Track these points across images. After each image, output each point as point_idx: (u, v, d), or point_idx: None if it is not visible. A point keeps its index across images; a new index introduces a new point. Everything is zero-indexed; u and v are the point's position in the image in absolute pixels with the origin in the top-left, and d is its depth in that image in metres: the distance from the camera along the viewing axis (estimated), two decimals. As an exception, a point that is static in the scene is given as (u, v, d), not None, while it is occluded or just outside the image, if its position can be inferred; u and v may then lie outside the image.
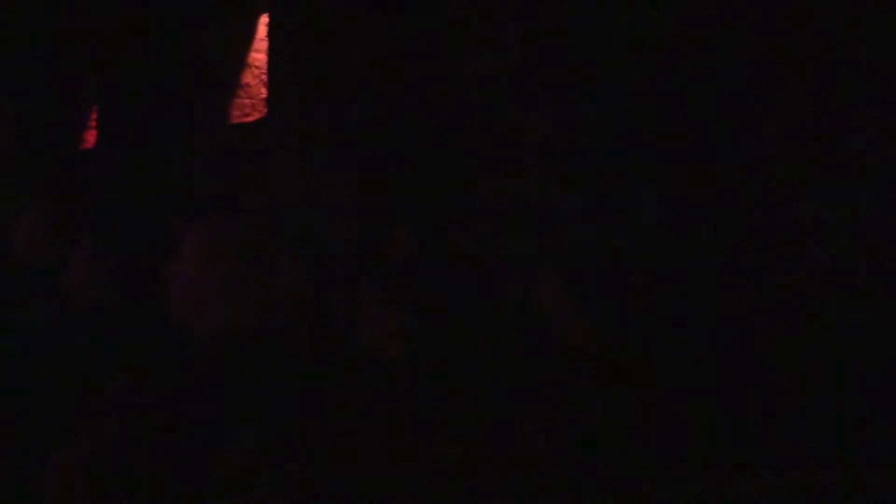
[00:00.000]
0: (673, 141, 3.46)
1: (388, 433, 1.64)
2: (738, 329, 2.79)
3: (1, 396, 1.76)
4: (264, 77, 7.25)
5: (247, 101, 7.41)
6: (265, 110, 7.18)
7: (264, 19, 7.12)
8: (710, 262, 3.01)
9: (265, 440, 1.44)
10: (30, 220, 2.60)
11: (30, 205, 2.69)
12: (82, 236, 2.17)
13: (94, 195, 8.19)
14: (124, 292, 2.12)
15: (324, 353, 1.81)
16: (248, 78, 7.43)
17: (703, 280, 2.96)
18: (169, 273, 1.70)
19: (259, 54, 7.35)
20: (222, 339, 1.57)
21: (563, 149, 3.80)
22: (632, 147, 3.56)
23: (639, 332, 1.99)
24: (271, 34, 6.91)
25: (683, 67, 3.49)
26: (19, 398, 1.78)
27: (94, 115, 9.26)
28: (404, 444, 1.64)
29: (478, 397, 1.77)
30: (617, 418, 1.74)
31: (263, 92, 7.32)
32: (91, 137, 9.49)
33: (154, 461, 1.37)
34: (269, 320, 1.69)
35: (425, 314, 1.85)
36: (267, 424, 1.47)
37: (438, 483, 1.58)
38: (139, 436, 1.40)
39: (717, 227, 3.13)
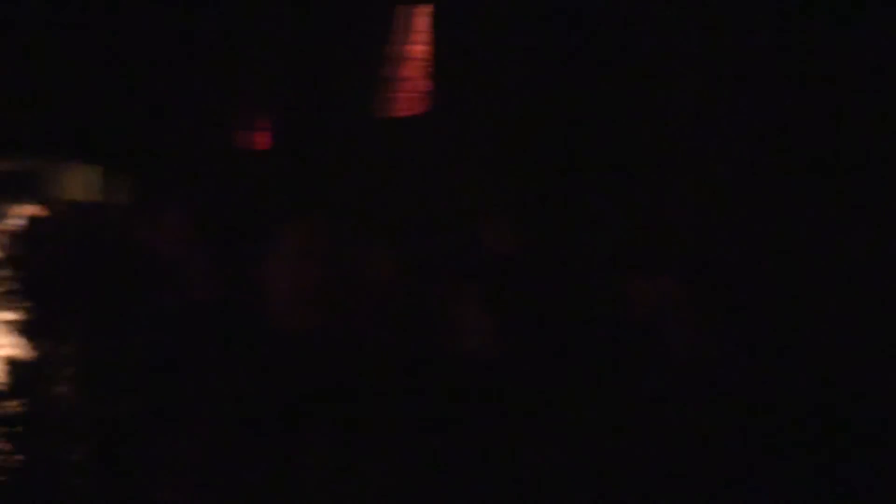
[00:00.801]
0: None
1: (481, 436, 1.62)
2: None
3: (120, 377, 1.97)
4: (426, 70, 7.41)
5: (408, 94, 7.61)
6: (426, 105, 7.33)
7: (425, 9, 7.27)
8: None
9: (353, 436, 1.47)
10: (169, 220, 2.88)
11: (170, 206, 2.97)
12: (206, 235, 2.35)
13: (237, 196, 8.87)
14: (232, 289, 2.26)
15: (418, 353, 1.80)
16: (408, 71, 7.63)
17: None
18: (265, 271, 1.79)
19: (419, 46, 7.52)
20: (313, 336, 1.63)
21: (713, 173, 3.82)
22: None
23: (752, 348, 1.78)
24: (435, 25, 7.03)
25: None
26: (135, 380, 1.97)
27: (260, 119, 10.04)
28: (496, 447, 1.62)
29: (574, 403, 1.68)
30: (718, 429, 1.58)
31: (425, 85, 7.47)
32: (258, 139, 10.30)
33: (240, 449, 1.44)
34: (362, 318, 1.73)
35: (523, 317, 1.79)
36: (356, 421, 1.49)
37: (531, 488, 1.56)
38: (228, 425, 1.47)
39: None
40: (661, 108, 4.54)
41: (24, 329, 6.84)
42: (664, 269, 2.17)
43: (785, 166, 3.63)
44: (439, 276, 2.13)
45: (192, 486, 1.27)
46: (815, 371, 2.16)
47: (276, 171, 8.95)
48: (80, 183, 20.44)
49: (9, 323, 7.91)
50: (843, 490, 1.66)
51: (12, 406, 4.59)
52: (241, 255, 1.89)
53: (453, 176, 6.09)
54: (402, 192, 6.79)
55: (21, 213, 8.30)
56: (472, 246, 2.83)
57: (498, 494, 1.50)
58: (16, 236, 11.62)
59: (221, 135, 11.23)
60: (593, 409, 1.72)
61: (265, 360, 1.41)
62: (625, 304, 2.10)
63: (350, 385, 1.36)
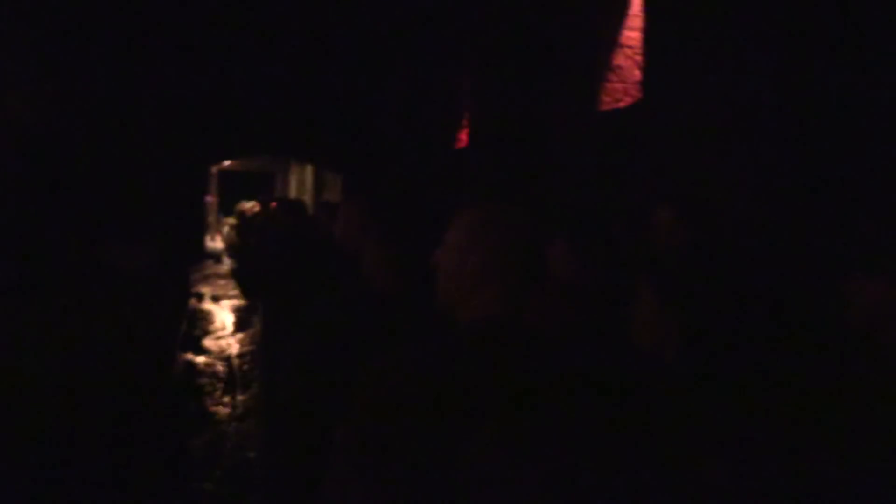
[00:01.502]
0: None
1: (658, 443, 1.47)
2: None
3: (291, 367, 2.06)
4: (638, 58, 7.15)
5: (618, 84, 7.39)
6: (639, 94, 7.07)
7: (639, -7, 7.02)
8: None
9: (519, 435, 1.40)
10: (346, 211, 3.00)
11: (357, 201, 3.09)
12: (376, 225, 2.40)
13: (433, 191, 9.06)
14: (402, 279, 2.27)
15: (592, 351, 1.67)
16: (619, 59, 7.41)
17: None
18: (435, 261, 1.76)
19: (632, 32, 7.27)
20: (481, 328, 1.59)
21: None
22: None
23: None
24: (648, 10, 6.74)
25: None
26: (308, 370, 2.05)
27: (467, 116, 10.30)
28: (675, 457, 1.46)
29: (763, 414, 1.45)
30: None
31: (637, 74, 7.21)
32: (464, 137, 10.56)
33: (405, 442, 1.42)
34: (532, 311, 1.64)
35: (707, 314, 1.59)
36: (522, 419, 1.42)
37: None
38: (391, 416, 1.46)
39: None
40: None
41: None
42: (887, 270, 1.84)
43: None
44: (628, 270, 1.98)
45: (360, 479, 1.26)
46: None
47: (477, 166, 9.12)
48: (301, 181, 22.46)
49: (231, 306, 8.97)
50: None
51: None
52: (422, 246, 1.90)
53: (663, 170, 5.76)
54: (603, 185, 6.57)
55: (242, 208, 9.43)
56: (665, 240, 2.63)
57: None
58: (234, 227, 13.14)
59: (429, 133, 11.73)
60: (797, 420, 1.48)
61: (426, 348, 1.38)
62: (843, 305, 1.81)
63: (524, 381, 1.29)
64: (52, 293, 8.57)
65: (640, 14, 6.97)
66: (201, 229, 15.88)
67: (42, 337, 6.28)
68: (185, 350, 6.70)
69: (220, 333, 7.71)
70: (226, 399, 5.14)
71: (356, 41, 14.42)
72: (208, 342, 7.28)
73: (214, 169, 21.56)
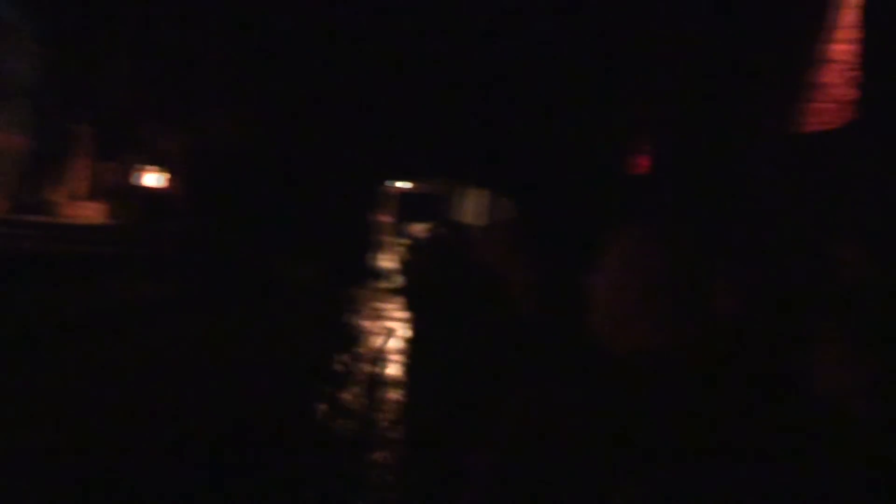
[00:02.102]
0: None
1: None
2: None
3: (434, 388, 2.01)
4: (851, 74, 6.53)
5: (826, 105, 6.79)
6: (852, 115, 6.46)
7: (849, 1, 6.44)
8: None
9: (675, 480, 1.29)
10: (497, 235, 2.94)
11: (506, 225, 3.02)
12: (525, 249, 2.31)
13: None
14: (547, 302, 2.15)
15: (767, 398, 1.50)
16: (827, 76, 6.81)
17: None
18: (588, 284, 1.66)
19: (842, 45, 6.67)
20: (638, 358, 1.48)
21: None
22: None
23: None
24: (868, 21, 6.17)
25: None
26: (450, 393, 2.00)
27: (644, 139, 9.96)
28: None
29: None
30: None
31: (849, 92, 6.60)
32: (641, 162, 10.20)
33: (551, 481, 1.34)
34: (691, 346, 1.50)
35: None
36: (688, 474, 1.30)
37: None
38: (538, 451, 1.38)
39: None
40: None
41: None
42: None
43: None
44: (805, 310, 1.74)
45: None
46: None
47: (651, 192, 8.80)
48: (476, 204, 22.87)
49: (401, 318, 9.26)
50: None
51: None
52: (572, 271, 1.78)
53: (857, 200, 5.19)
54: (785, 215, 6.03)
55: (413, 229, 9.72)
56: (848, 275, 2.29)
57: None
58: (409, 247, 13.62)
59: (603, 158, 11.52)
60: None
61: (575, 376, 1.26)
62: None
63: (670, 414, 1.15)
64: (226, 302, 9.26)
65: (854, 26, 6.38)
66: (366, 248, 16.50)
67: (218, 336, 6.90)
68: (333, 363, 6.96)
69: (371, 347, 7.95)
70: (368, 418, 5.24)
71: (533, 69, 14.51)
72: (357, 353, 7.52)
73: (392, 189, 22.46)
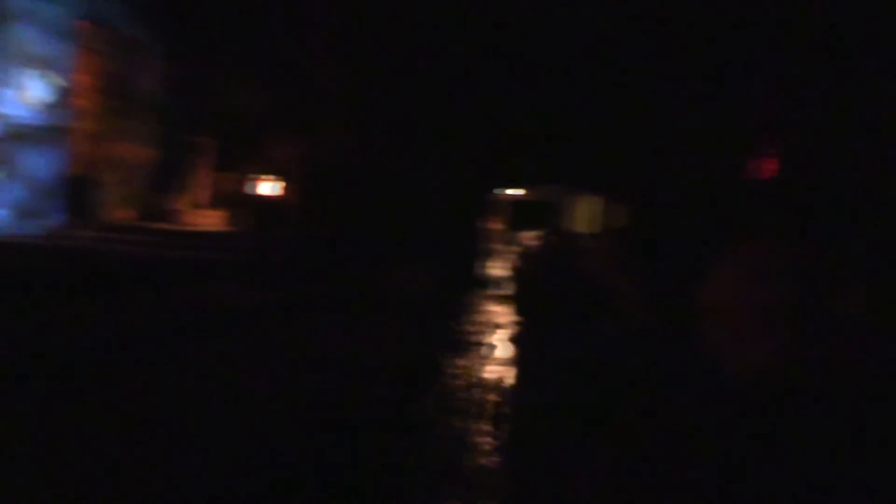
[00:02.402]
0: None
1: None
2: None
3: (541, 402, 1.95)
4: None
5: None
6: None
7: None
8: None
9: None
10: (606, 243, 2.81)
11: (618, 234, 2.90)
12: (636, 259, 2.20)
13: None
14: (661, 317, 2.03)
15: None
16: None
17: None
18: (703, 299, 1.55)
19: None
20: (760, 379, 1.37)
21: None
22: None
23: None
24: None
25: None
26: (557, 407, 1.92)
27: (767, 144, 9.48)
28: None
29: None
30: None
31: None
32: (764, 167, 9.72)
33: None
34: (824, 365, 1.38)
35: None
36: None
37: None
38: (651, 475, 1.30)
39: None
40: None
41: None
42: None
43: None
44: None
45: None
46: None
47: (775, 199, 8.37)
48: (589, 211, 22.53)
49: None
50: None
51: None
52: (686, 282, 1.67)
53: None
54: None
55: (523, 237, 9.69)
56: None
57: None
58: (520, 255, 13.48)
59: (723, 164, 11.06)
60: None
61: (706, 401, 1.17)
62: None
63: (795, 442, 1.04)
64: (335, 308, 9.50)
65: None
66: (475, 255, 16.50)
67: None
68: (438, 365, 7.01)
69: (477, 353, 7.94)
70: (474, 426, 5.24)
71: (652, 71, 14.13)
72: (463, 358, 7.53)
73: (503, 196, 22.45)
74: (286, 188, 17.62)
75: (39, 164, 13.19)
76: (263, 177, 18.58)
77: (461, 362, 6.99)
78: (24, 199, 12.96)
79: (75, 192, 14.43)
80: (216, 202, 19.22)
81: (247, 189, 18.73)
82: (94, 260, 10.34)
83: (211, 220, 18.53)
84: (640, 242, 2.67)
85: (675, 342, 1.83)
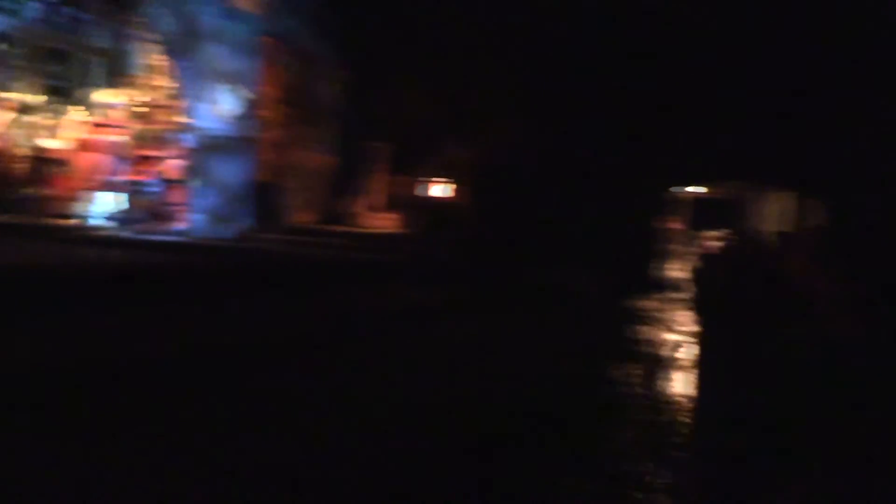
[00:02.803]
0: None
1: None
2: None
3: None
4: None
5: None
6: None
7: None
8: None
9: None
10: (802, 243, 2.55)
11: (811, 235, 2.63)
12: (841, 260, 1.99)
13: None
14: (868, 324, 1.81)
15: None
16: None
17: None
18: None
19: None
20: None
21: None
22: None
23: None
24: None
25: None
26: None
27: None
28: None
29: None
30: None
31: None
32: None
33: None
34: None
35: None
36: None
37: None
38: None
39: None
40: None
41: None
42: None
43: None
44: None
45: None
46: None
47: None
48: (780, 208, 21.10)
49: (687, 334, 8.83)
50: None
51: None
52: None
53: None
54: None
55: (705, 237, 9.15)
56: None
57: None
58: (701, 256, 12.81)
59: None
60: None
61: None
62: None
63: None
64: (509, 308, 9.50)
65: None
66: (652, 256, 15.88)
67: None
68: (609, 371, 6.76)
69: (653, 360, 7.59)
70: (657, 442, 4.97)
71: (842, 53, 13.00)
72: (638, 364, 7.22)
73: (683, 195, 21.53)
74: (457, 190, 17.91)
75: (230, 172, 14.19)
76: (435, 179, 19.01)
77: (637, 368, 6.73)
78: (217, 205, 14.00)
79: (262, 197, 15.41)
80: (391, 205, 19.89)
81: (419, 192, 19.24)
82: (283, 261, 11.11)
83: (386, 223, 19.19)
84: (842, 243, 2.43)
85: (886, 351, 1.63)
